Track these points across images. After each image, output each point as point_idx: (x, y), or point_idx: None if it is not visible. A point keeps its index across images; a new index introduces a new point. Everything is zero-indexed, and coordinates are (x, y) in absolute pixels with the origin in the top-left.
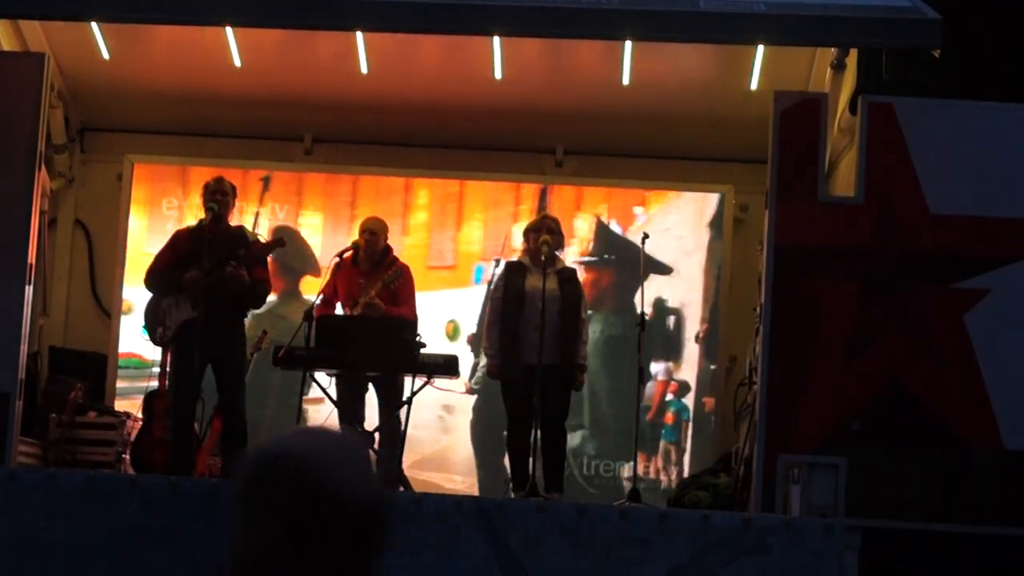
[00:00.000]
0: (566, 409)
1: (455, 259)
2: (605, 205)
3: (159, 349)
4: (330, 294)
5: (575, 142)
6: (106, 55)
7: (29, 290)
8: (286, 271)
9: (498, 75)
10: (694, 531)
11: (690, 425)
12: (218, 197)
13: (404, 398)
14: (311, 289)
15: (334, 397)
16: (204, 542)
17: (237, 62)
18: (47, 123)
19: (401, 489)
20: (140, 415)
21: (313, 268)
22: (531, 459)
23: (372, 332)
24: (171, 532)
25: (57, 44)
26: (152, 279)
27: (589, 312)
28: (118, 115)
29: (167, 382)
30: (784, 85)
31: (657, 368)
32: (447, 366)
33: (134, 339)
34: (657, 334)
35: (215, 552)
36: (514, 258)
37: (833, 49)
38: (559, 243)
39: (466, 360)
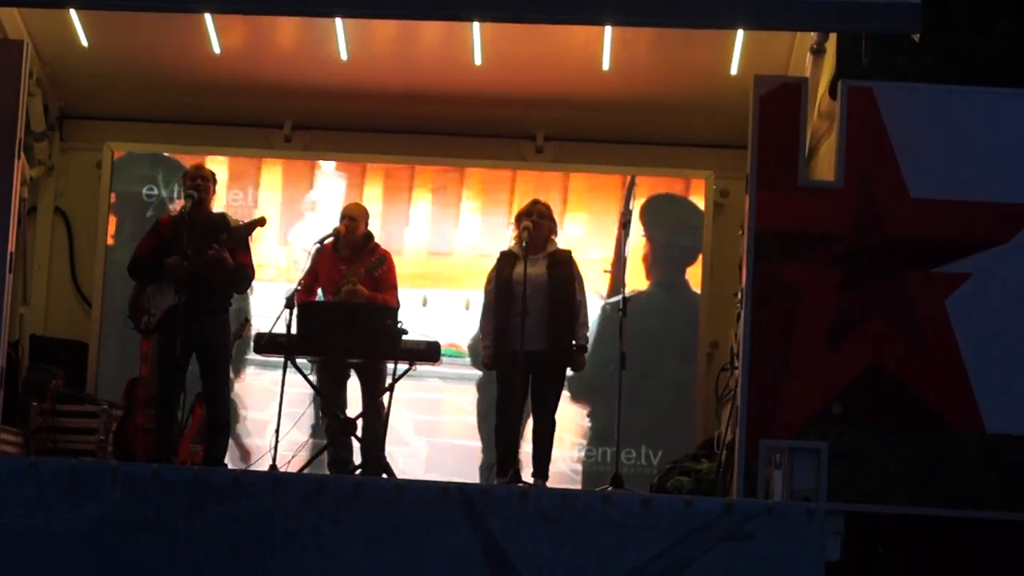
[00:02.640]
0: (556, 396)
1: None
2: None
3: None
4: (311, 281)
5: (555, 128)
6: (85, 42)
7: (9, 278)
8: None
9: (478, 61)
10: (676, 516)
11: None
12: (199, 183)
13: (386, 384)
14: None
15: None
16: (187, 530)
17: (216, 49)
18: (26, 111)
19: (384, 476)
20: (122, 403)
21: None
22: (516, 445)
23: (353, 319)
24: (154, 520)
25: (36, 31)
26: (135, 267)
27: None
28: (97, 102)
29: (149, 370)
30: (764, 70)
31: None
32: (428, 352)
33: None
34: None
35: (198, 539)
36: (506, 247)
37: (813, 34)
38: (551, 228)
39: None
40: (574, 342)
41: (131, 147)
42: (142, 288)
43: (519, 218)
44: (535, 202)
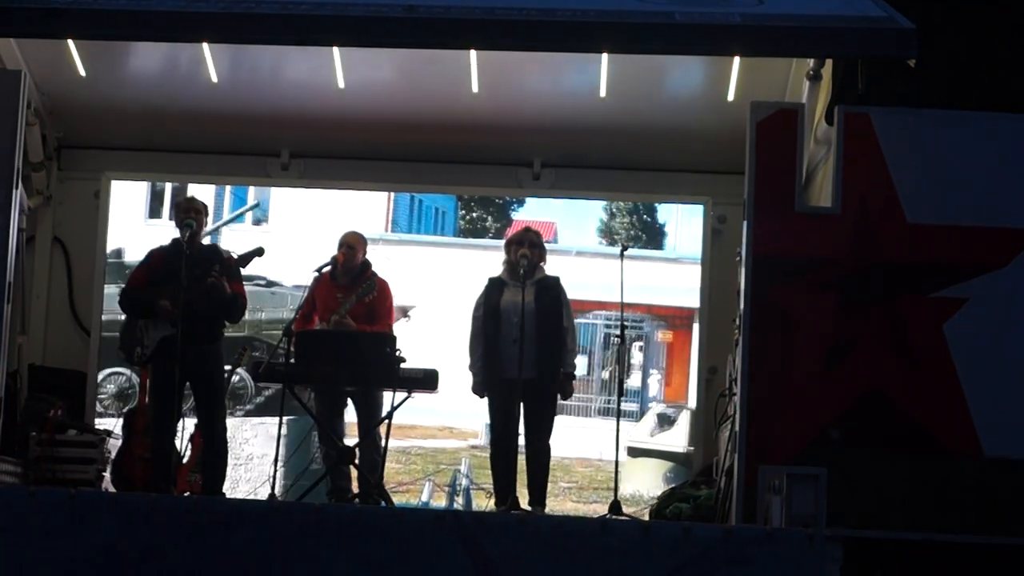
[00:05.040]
0: (550, 423)
1: None
2: None
3: None
4: (309, 309)
5: (553, 155)
6: (83, 72)
7: (8, 308)
8: None
9: (475, 88)
10: (675, 543)
11: None
12: (193, 214)
13: (384, 413)
14: None
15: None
16: (185, 560)
17: (214, 78)
18: (24, 141)
19: (382, 504)
20: (120, 433)
21: None
22: (513, 473)
23: (352, 347)
24: (152, 550)
25: (33, 61)
26: (127, 300)
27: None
28: (95, 132)
29: (147, 400)
30: (761, 96)
31: None
32: (427, 381)
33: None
34: None
35: (197, 569)
36: (495, 274)
37: (809, 60)
38: (540, 255)
39: None
40: (562, 369)
41: (129, 176)
42: (134, 320)
43: (511, 245)
44: (527, 230)
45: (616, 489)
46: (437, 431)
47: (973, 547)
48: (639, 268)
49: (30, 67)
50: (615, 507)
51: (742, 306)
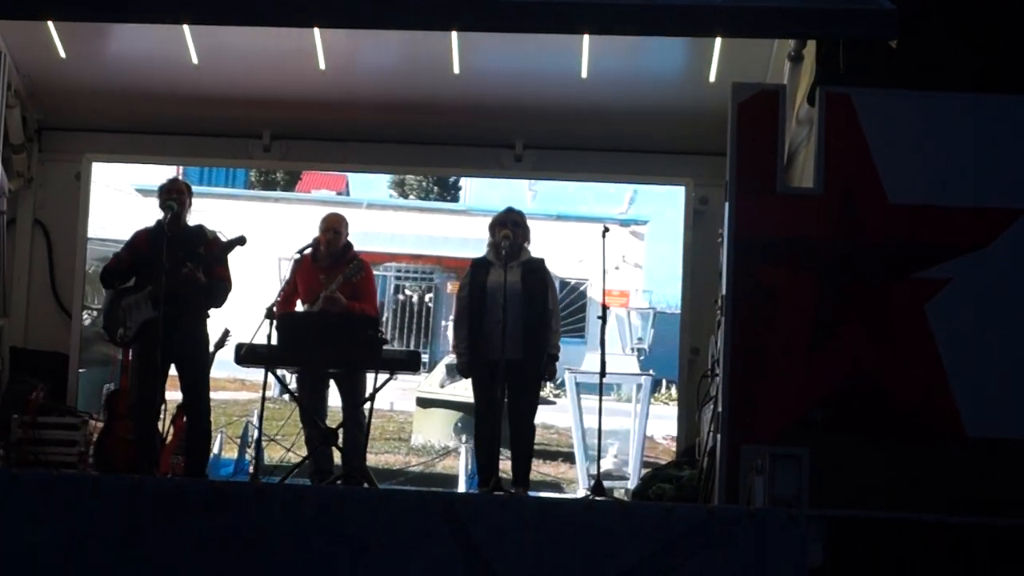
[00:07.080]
0: (534, 405)
1: None
2: None
3: None
4: (290, 291)
5: (535, 136)
6: (63, 54)
7: None
8: None
9: (456, 70)
10: (658, 524)
11: None
12: (175, 196)
13: (367, 395)
14: None
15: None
16: (168, 542)
17: (195, 60)
18: (4, 123)
19: (365, 485)
20: (102, 415)
21: None
22: (496, 454)
23: (334, 329)
24: (135, 532)
25: (13, 43)
26: (109, 277)
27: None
28: (76, 114)
29: (129, 382)
30: (742, 77)
31: None
32: (409, 362)
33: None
34: None
35: (180, 551)
36: (481, 255)
37: (791, 40)
38: (524, 236)
39: None
40: (547, 351)
41: (110, 158)
42: (117, 302)
43: (495, 227)
44: (510, 210)
45: (599, 470)
46: (227, 383)
47: (956, 527)
48: (429, 220)
49: (9, 48)
50: (598, 488)
51: (724, 287)
